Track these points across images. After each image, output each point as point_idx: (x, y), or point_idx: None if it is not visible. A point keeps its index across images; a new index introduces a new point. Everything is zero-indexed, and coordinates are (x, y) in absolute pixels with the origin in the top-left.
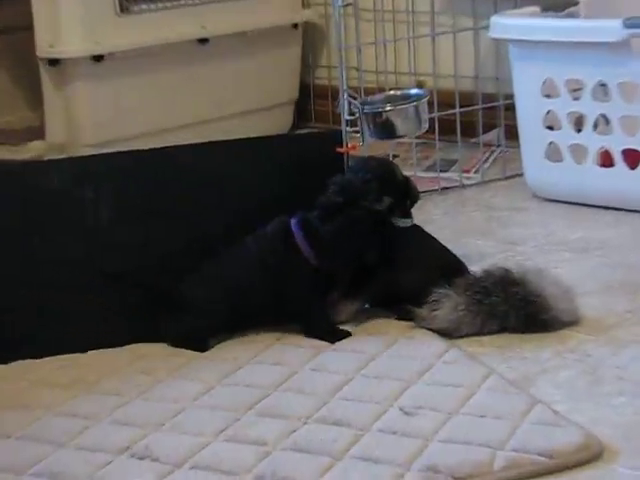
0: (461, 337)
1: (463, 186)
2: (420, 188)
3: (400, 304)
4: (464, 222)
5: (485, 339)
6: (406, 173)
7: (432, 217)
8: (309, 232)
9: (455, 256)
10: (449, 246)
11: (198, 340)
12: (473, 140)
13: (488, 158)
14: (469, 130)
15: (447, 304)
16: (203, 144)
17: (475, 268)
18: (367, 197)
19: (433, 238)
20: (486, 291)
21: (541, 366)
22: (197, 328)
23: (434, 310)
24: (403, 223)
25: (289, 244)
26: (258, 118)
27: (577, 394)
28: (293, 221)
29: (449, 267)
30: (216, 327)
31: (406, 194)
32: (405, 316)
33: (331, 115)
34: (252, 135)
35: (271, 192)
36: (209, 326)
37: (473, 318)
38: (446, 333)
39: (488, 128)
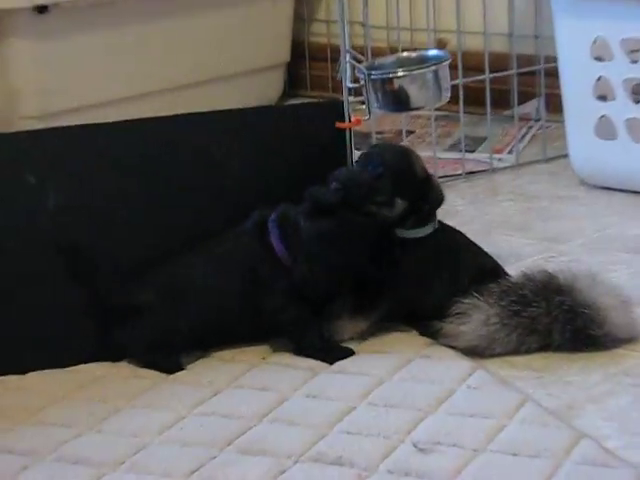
0: (492, 356)
1: (494, 170)
2: (441, 173)
3: (423, 320)
4: (495, 214)
5: (520, 359)
6: (424, 154)
7: (456, 208)
8: (286, 229)
9: (489, 256)
10: (478, 242)
11: (165, 358)
12: (506, 113)
13: (525, 135)
14: (501, 101)
15: (476, 317)
16: (171, 117)
17: (510, 272)
18: (375, 199)
19: (458, 232)
20: (525, 300)
21: (589, 392)
22: (160, 343)
23: (461, 324)
24: (415, 233)
25: (264, 243)
26: (242, 84)
27: (632, 427)
28: (272, 216)
29: (481, 271)
30: (182, 343)
31: (425, 197)
32: (429, 333)
33: (330, 81)
34: (233, 106)
35: (255, 174)
36: (173, 342)
37: (508, 334)
38: (475, 352)
39: (525, 98)
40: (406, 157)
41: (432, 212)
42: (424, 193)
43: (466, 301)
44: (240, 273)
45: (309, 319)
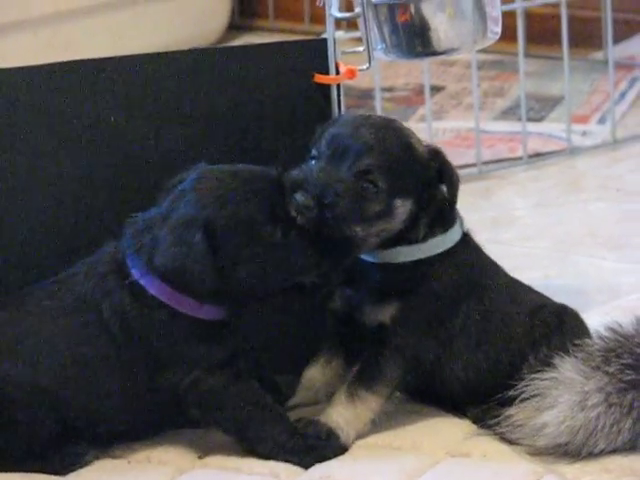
0: (589, 456)
1: (573, 151)
2: (487, 154)
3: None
4: (576, 224)
5: (616, 459)
6: (460, 124)
7: (512, 212)
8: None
9: (548, 299)
10: (547, 268)
11: (47, 459)
12: (595, 56)
13: (625, 93)
14: (587, 37)
15: (566, 398)
16: (95, 60)
17: (596, 316)
18: (366, 213)
19: (496, 265)
20: None
21: None
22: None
23: (540, 412)
24: (436, 245)
25: (133, 292)
26: (181, 4)
27: None
28: (128, 254)
29: (542, 314)
30: (56, 440)
31: (435, 183)
32: (479, 419)
33: (307, 7)
34: (165, 38)
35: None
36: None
37: (618, 420)
38: (566, 452)
39: (625, 32)
40: (396, 131)
41: (453, 202)
42: (431, 179)
43: (544, 375)
44: (103, 336)
45: (257, 395)
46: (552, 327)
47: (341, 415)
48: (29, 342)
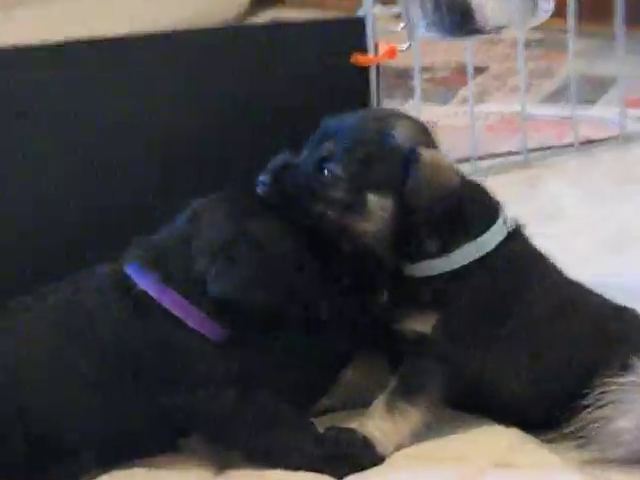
0: None
1: (626, 138)
2: (534, 141)
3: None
4: (630, 215)
5: None
6: (504, 108)
7: (560, 204)
8: (171, 270)
9: (608, 300)
10: (600, 265)
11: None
12: None
13: None
14: None
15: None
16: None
17: None
18: (325, 193)
19: (549, 267)
20: None
21: None
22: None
23: (614, 417)
24: (461, 257)
25: (143, 309)
26: None
27: None
28: (130, 258)
29: (609, 329)
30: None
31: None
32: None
33: None
34: (185, 12)
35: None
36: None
37: None
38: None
39: None
40: (381, 121)
41: (427, 215)
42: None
43: (619, 380)
44: (93, 353)
45: (274, 405)
46: (619, 331)
47: (379, 428)
48: (9, 359)
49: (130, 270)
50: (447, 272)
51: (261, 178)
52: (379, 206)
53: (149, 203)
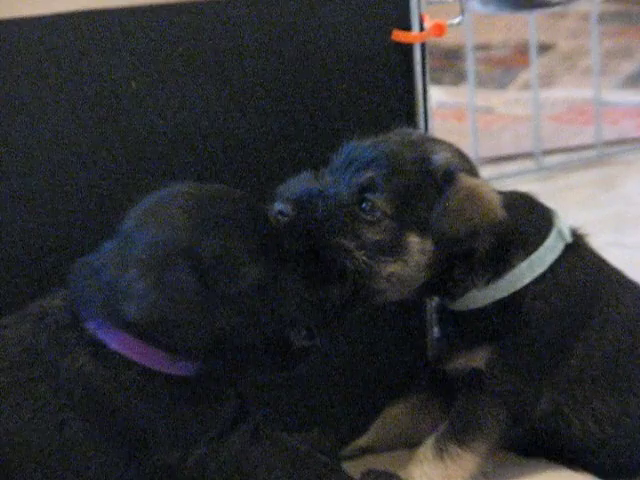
0: None
1: None
2: (609, 134)
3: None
4: None
5: None
6: (573, 94)
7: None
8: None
9: None
10: None
11: None
12: None
13: None
14: None
15: None
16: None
17: None
18: (360, 232)
19: (622, 284)
20: None
21: None
22: None
23: None
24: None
25: (93, 350)
26: None
27: None
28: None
29: None
30: None
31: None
32: None
33: None
34: None
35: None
36: None
37: None
38: None
39: None
40: (415, 145)
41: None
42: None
43: None
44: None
45: (292, 449)
46: None
47: (427, 475)
48: None
49: (79, 308)
50: (496, 301)
51: (279, 207)
52: (419, 249)
53: None
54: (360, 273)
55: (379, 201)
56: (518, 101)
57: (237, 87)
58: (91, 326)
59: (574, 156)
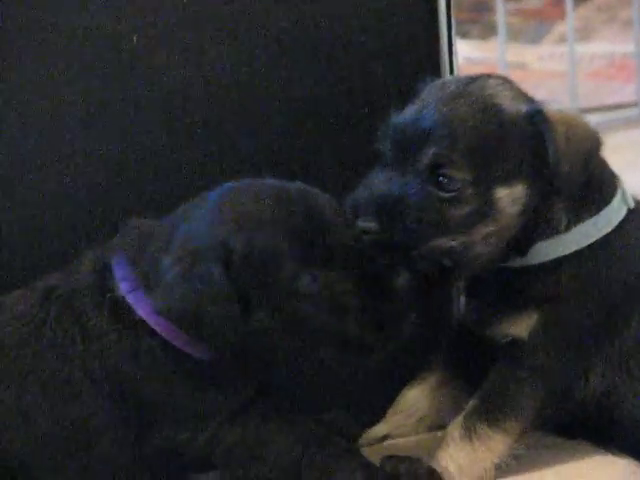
0: None
1: None
2: None
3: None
4: None
5: None
6: (614, 48)
7: None
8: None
9: None
10: None
11: None
12: None
13: None
14: None
15: None
16: None
17: None
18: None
19: None
20: None
21: None
22: None
23: None
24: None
25: (123, 324)
26: None
27: None
28: (117, 263)
29: None
30: None
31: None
32: None
33: None
34: None
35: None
36: None
37: None
38: None
39: None
40: (473, 94)
41: (564, 184)
42: (536, 146)
43: None
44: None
45: (306, 431)
46: None
47: (453, 458)
48: None
49: (115, 265)
50: (558, 259)
51: (364, 224)
52: (510, 199)
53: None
54: (459, 254)
55: (454, 171)
56: (553, 56)
57: (246, 43)
58: (124, 287)
59: (614, 115)
